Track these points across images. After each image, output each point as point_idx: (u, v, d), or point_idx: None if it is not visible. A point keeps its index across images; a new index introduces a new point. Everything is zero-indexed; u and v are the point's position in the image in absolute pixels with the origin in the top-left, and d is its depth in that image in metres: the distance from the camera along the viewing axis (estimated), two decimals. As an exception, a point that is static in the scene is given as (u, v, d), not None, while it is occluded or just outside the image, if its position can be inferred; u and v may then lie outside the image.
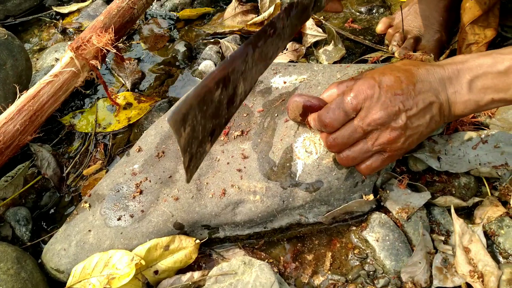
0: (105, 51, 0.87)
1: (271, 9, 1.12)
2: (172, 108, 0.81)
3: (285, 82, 0.79)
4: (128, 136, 0.93)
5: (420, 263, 0.65)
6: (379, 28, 1.02)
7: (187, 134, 0.42)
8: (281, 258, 0.71)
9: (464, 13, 0.88)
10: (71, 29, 1.20)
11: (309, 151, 0.69)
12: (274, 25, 0.53)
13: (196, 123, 0.43)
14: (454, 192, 0.73)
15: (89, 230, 0.69)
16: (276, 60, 0.99)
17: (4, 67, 0.87)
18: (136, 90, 1.02)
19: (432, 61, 0.90)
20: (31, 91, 0.79)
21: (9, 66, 0.88)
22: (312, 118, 0.65)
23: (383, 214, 0.71)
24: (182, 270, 0.69)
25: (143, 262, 0.64)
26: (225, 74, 0.46)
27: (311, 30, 1.05)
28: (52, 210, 0.82)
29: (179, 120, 0.40)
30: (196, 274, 0.67)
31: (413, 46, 0.95)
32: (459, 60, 0.59)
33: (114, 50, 0.87)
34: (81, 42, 0.85)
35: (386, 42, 1.02)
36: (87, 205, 0.72)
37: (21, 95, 0.78)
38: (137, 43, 1.14)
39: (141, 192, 0.71)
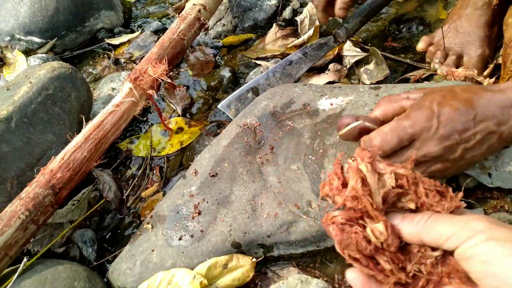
0: (160, 80, 0.93)
1: (311, 32, 1.16)
2: (222, 101, 1.01)
3: (331, 104, 0.82)
4: (181, 159, 0.98)
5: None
6: (420, 46, 1.03)
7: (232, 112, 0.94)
8: (335, 276, 0.73)
9: (508, 28, 0.88)
10: (123, 59, 1.28)
11: (360, 171, 0.71)
12: (289, 60, 1.04)
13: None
14: (507, 208, 0.73)
15: (152, 250, 0.74)
16: (319, 81, 1.02)
17: (69, 99, 0.94)
18: (186, 115, 1.08)
19: (476, 76, 0.91)
20: (96, 120, 0.85)
21: (73, 97, 0.95)
22: (363, 140, 0.66)
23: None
24: (240, 288, 0.72)
25: (205, 282, 0.67)
26: (254, 86, 1.01)
27: (349, 52, 1.08)
28: (113, 232, 0.88)
29: (225, 105, 0.98)
30: (254, 292, 0.70)
31: (455, 63, 0.96)
32: None
33: (169, 80, 0.93)
34: (139, 73, 0.92)
35: (428, 60, 1.03)
36: (149, 226, 0.77)
37: (87, 124, 0.85)
38: (185, 70, 1.21)
39: (199, 213, 0.75)
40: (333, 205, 0.44)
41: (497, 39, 0.99)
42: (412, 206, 0.42)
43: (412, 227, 0.40)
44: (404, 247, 0.41)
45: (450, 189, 0.43)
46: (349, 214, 0.42)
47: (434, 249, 0.39)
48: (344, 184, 0.44)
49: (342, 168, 0.46)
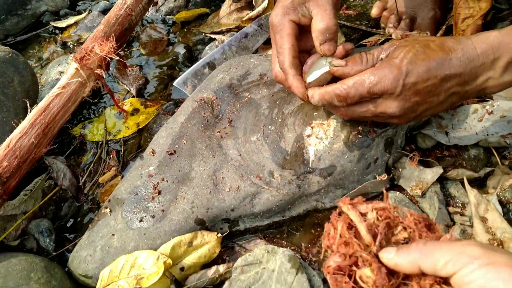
0: (109, 59, 0.89)
1: (265, 3, 1.14)
2: (178, 78, 0.97)
3: (289, 73, 0.80)
4: (139, 141, 0.94)
5: (438, 236, 0.67)
6: (374, 12, 1.03)
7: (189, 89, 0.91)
8: (302, 244, 0.72)
9: (457, -12, 0.89)
10: (70, 42, 1.21)
11: (319, 137, 0.70)
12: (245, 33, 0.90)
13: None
14: (465, 164, 0.74)
15: (113, 234, 0.71)
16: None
17: (12, 84, 0.88)
18: (141, 96, 1.04)
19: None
20: (42, 104, 0.80)
21: (17, 82, 0.89)
22: (320, 93, 0.62)
23: (398, 192, 0.72)
24: (207, 265, 0.71)
25: (170, 262, 0.65)
26: (209, 61, 0.96)
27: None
28: (72, 220, 0.84)
29: (181, 82, 0.93)
30: (221, 267, 0.69)
31: (409, 26, 0.97)
32: (494, 41, 0.55)
33: (117, 58, 0.88)
34: (85, 52, 0.87)
35: (382, 25, 1.03)
36: (108, 210, 0.74)
37: (32, 109, 0.80)
38: (137, 50, 1.16)
39: (159, 193, 0.72)
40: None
41: (448, 0, 1.00)
42: (405, 235, 0.43)
43: (408, 256, 0.39)
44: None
45: (437, 224, 0.44)
46: (342, 262, 0.42)
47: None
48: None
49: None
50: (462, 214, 0.70)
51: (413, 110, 0.59)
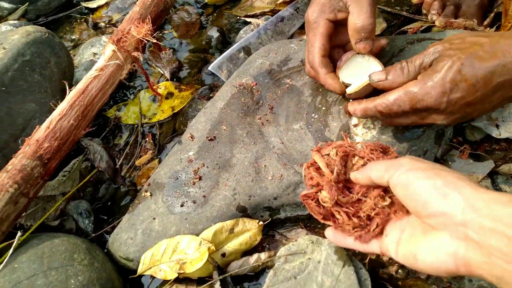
0: (145, 41, 0.87)
1: (301, -13, 1.11)
2: (213, 62, 0.95)
3: (333, 59, 0.78)
4: (174, 125, 0.93)
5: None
6: (416, -2, 1.00)
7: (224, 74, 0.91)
8: (343, 235, 0.71)
9: (508, -26, 0.85)
10: (102, 23, 1.20)
11: (367, 127, 0.68)
12: (280, 16, 0.81)
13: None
14: (515, 158, 0.72)
15: (154, 218, 0.71)
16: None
17: (49, 65, 0.87)
18: (175, 80, 1.03)
19: (475, 26, 0.88)
20: (80, 86, 0.79)
21: (53, 63, 0.89)
22: (362, 109, 0.62)
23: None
24: (247, 252, 0.70)
25: (213, 248, 0.65)
26: (245, 46, 0.95)
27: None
28: (109, 202, 0.84)
29: (216, 67, 0.92)
30: (263, 255, 0.68)
31: (454, 13, 0.93)
32: None
33: (154, 40, 0.87)
34: (121, 34, 0.85)
35: (424, 11, 1.00)
36: (148, 194, 0.73)
37: (71, 90, 0.79)
38: (169, 32, 1.14)
39: (200, 178, 0.72)
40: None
41: (496, -14, 0.96)
42: (361, 162, 0.54)
43: (364, 172, 0.50)
44: (360, 201, 0.52)
45: (390, 147, 0.56)
46: (309, 192, 0.56)
47: (384, 199, 0.50)
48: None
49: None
50: None
51: (464, 117, 0.57)
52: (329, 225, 0.55)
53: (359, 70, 0.66)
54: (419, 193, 0.41)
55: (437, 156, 0.71)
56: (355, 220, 0.52)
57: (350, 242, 0.52)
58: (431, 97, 0.54)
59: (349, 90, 0.65)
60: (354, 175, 0.52)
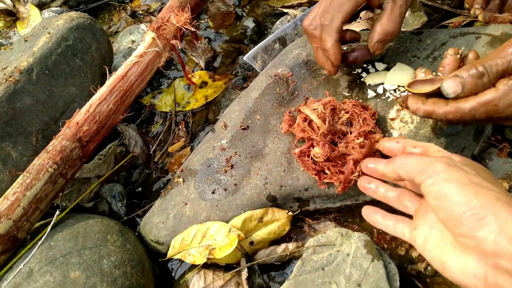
0: (184, 30, 0.88)
1: (340, -21, 1.09)
2: (248, 53, 0.93)
3: (371, 52, 0.77)
4: (207, 114, 0.94)
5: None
6: (459, -9, 0.96)
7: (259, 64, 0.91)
8: (374, 230, 0.70)
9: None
10: (140, 12, 1.22)
11: (404, 121, 0.66)
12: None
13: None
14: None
15: (185, 204, 0.72)
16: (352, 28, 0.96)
17: (90, 50, 0.90)
18: (209, 69, 1.03)
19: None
20: (120, 71, 0.81)
21: (94, 49, 0.91)
22: (434, 111, 0.56)
23: (481, 185, 0.68)
24: (275, 242, 0.70)
25: (243, 235, 0.65)
26: (281, 36, 0.94)
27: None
28: (141, 186, 0.86)
29: (251, 57, 0.92)
30: (291, 245, 0.68)
31: (499, 8, 0.89)
32: None
33: (193, 29, 0.87)
34: (161, 22, 0.86)
35: (467, 5, 0.96)
36: (181, 180, 0.75)
37: (111, 76, 0.81)
38: (205, 22, 1.15)
39: (232, 167, 0.72)
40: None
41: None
42: (346, 115, 0.64)
43: (391, 166, 0.48)
44: (345, 155, 0.63)
45: (369, 105, 0.67)
46: (302, 147, 0.65)
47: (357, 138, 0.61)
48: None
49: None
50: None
51: None
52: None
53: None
54: (453, 211, 0.39)
55: (475, 153, 0.69)
56: (341, 176, 0.62)
57: (379, 219, 0.55)
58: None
59: (414, 89, 0.60)
60: (381, 168, 0.51)
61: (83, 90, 0.86)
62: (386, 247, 0.68)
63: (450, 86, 0.53)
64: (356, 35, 0.70)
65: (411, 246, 0.67)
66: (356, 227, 0.71)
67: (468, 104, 0.52)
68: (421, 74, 0.59)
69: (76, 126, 0.74)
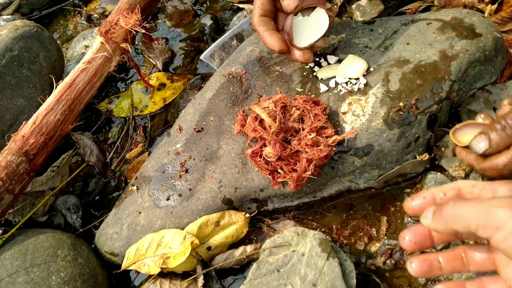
0: (134, 32, 0.86)
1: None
2: (205, 51, 0.89)
3: (322, 44, 0.75)
4: (166, 117, 0.92)
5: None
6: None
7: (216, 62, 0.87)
8: (333, 226, 0.69)
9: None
10: (95, 15, 1.19)
11: (356, 114, 0.65)
12: None
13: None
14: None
15: (139, 212, 0.69)
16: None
17: (38, 59, 0.87)
18: (167, 70, 1.01)
19: (476, 3, 0.84)
20: (67, 80, 0.78)
21: (42, 57, 0.88)
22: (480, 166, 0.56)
23: (439, 173, 0.67)
24: (234, 245, 0.69)
25: (197, 241, 0.63)
26: (238, 33, 0.88)
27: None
28: (98, 196, 0.83)
29: (208, 56, 0.87)
30: (249, 248, 0.66)
31: None
32: None
33: (143, 31, 0.85)
34: (109, 25, 0.84)
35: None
36: (135, 188, 0.72)
37: (58, 85, 0.78)
38: (163, 22, 1.12)
39: (186, 171, 0.70)
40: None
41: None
42: (298, 112, 0.63)
43: (443, 222, 0.41)
44: (298, 152, 0.62)
45: (321, 100, 0.66)
46: (255, 147, 0.63)
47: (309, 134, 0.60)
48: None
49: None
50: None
51: None
52: None
53: (308, 28, 0.64)
54: None
55: (430, 142, 0.68)
56: (294, 174, 0.61)
57: None
58: None
59: (306, 44, 0.63)
60: (429, 224, 0.43)
61: (31, 101, 0.83)
62: (345, 243, 0.67)
63: (476, 144, 0.54)
64: None
65: (370, 240, 0.66)
66: (315, 224, 0.70)
67: (501, 160, 0.52)
68: (480, 119, 0.58)
69: (22, 139, 0.72)
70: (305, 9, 0.64)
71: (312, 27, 0.64)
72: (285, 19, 0.64)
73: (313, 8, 0.64)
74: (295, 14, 0.63)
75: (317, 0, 0.65)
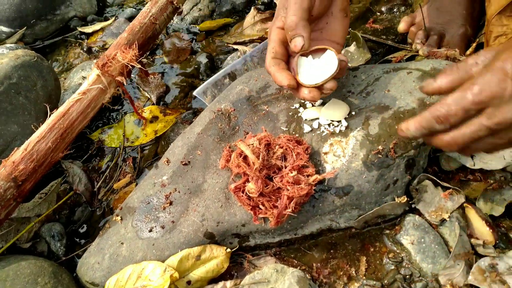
0: (130, 67, 0.89)
1: (290, 16, 1.12)
2: (198, 88, 0.94)
3: (308, 87, 0.78)
4: (156, 149, 0.94)
5: (458, 264, 0.63)
6: (401, 27, 1.00)
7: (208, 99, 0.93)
8: (314, 264, 0.70)
9: (490, 4, 0.85)
10: (96, 48, 1.23)
11: (337, 155, 0.67)
12: (267, 44, 0.71)
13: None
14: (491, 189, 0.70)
15: (122, 243, 0.70)
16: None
17: (35, 88, 0.90)
18: (161, 104, 1.04)
19: (458, 56, 0.88)
20: (61, 109, 0.81)
21: (39, 86, 0.91)
22: (416, 121, 0.56)
23: (417, 216, 0.69)
24: (214, 280, 0.69)
25: (176, 275, 0.64)
26: (230, 72, 0.96)
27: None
28: (84, 225, 0.84)
29: (201, 92, 0.93)
30: (229, 284, 0.67)
31: (437, 43, 0.93)
32: None
33: (139, 66, 0.88)
34: (107, 59, 0.87)
35: (409, 40, 1.00)
36: (119, 218, 0.73)
37: (52, 113, 0.81)
38: (160, 57, 1.16)
39: (171, 203, 0.71)
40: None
41: (479, 17, 0.96)
42: (281, 150, 0.66)
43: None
44: (280, 189, 0.64)
45: (304, 140, 0.69)
46: (237, 183, 0.65)
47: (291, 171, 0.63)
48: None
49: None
50: (485, 243, 0.66)
51: None
52: None
53: (318, 69, 0.66)
54: None
55: (412, 186, 0.70)
56: (274, 211, 0.62)
57: None
58: (493, 82, 0.49)
59: (314, 83, 0.65)
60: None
61: (25, 128, 0.85)
62: (325, 282, 0.67)
63: (426, 84, 0.58)
64: None
65: (349, 280, 0.67)
66: (296, 261, 0.70)
67: (448, 97, 0.53)
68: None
69: (12, 165, 0.73)
70: (316, 52, 0.67)
71: (321, 69, 0.66)
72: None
73: (324, 51, 0.67)
74: (307, 56, 0.67)
75: (328, 43, 0.69)
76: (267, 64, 0.68)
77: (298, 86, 0.66)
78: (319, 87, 0.65)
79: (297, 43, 0.63)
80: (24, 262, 0.67)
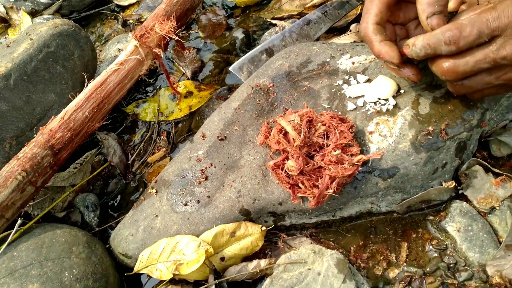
0: (168, 39, 0.87)
1: (331, -9, 1.08)
2: (234, 63, 0.92)
3: (353, 63, 0.75)
4: (190, 124, 0.93)
5: (509, 255, 0.59)
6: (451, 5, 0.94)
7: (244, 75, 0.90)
8: (351, 248, 0.67)
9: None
10: (131, 21, 1.22)
11: (383, 134, 0.64)
12: (307, 19, 0.73)
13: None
14: (546, 179, 0.65)
15: (156, 216, 0.69)
16: (341, 41, 0.94)
17: (72, 57, 0.89)
18: (196, 79, 1.02)
19: None
20: (98, 79, 0.80)
21: (77, 56, 0.90)
22: (425, 37, 0.52)
23: (464, 203, 0.65)
24: (248, 257, 0.67)
25: (211, 250, 0.62)
26: (268, 47, 0.94)
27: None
28: (118, 197, 0.83)
29: (237, 68, 0.91)
30: (263, 262, 0.65)
31: None
32: None
33: (176, 38, 0.86)
34: (145, 30, 0.85)
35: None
36: (154, 191, 0.72)
37: (89, 83, 0.80)
38: (196, 32, 1.14)
39: (206, 178, 0.70)
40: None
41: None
42: (323, 128, 0.62)
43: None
44: (320, 168, 0.60)
45: (348, 118, 0.66)
46: (277, 160, 0.63)
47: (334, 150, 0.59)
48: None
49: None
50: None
51: None
52: None
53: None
54: None
55: (461, 170, 0.66)
56: (315, 190, 0.59)
57: None
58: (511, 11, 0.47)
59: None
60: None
61: (62, 97, 0.85)
62: (363, 266, 0.65)
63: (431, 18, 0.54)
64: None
65: (388, 266, 0.64)
66: (333, 244, 0.68)
67: (465, 17, 0.50)
68: None
69: (50, 133, 0.73)
70: None
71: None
72: (393, 31, 0.63)
73: None
74: None
75: None
76: (369, 30, 0.58)
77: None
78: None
79: (440, 22, 0.52)
80: (59, 231, 0.67)
